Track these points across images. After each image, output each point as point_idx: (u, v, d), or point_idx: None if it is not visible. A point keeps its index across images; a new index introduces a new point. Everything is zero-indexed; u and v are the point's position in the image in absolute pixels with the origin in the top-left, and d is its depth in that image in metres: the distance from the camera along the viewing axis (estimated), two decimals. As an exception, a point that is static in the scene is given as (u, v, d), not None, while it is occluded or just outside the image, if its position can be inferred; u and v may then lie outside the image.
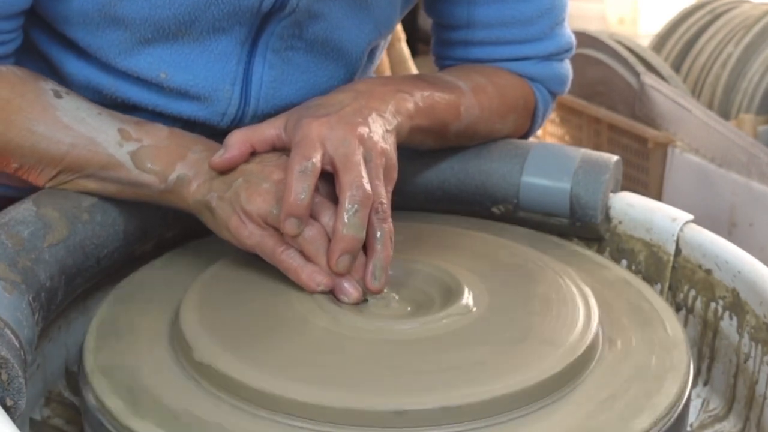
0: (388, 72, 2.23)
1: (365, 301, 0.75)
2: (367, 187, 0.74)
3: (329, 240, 0.75)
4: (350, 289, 0.75)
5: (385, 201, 0.76)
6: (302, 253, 0.75)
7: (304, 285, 0.75)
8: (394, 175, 0.80)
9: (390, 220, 0.76)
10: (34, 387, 0.79)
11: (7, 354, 0.62)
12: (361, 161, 0.75)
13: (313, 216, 0.76)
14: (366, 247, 0.76)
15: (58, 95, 0.82)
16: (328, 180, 0.77)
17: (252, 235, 0.77)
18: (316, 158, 0.75)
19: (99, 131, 0.82)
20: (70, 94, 0.83)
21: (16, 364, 0.62)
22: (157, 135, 0.83)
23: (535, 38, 0.99)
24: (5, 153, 0.81)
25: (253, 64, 0.89)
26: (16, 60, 0.85)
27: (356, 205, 0.74)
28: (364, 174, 0.75)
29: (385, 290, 0.76)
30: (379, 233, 0.75)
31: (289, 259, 0.76)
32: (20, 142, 0.80)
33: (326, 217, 0.76)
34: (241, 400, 0.64)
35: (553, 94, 1.04)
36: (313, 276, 0.75)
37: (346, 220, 0.73)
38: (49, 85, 0.83)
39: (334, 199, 0.76)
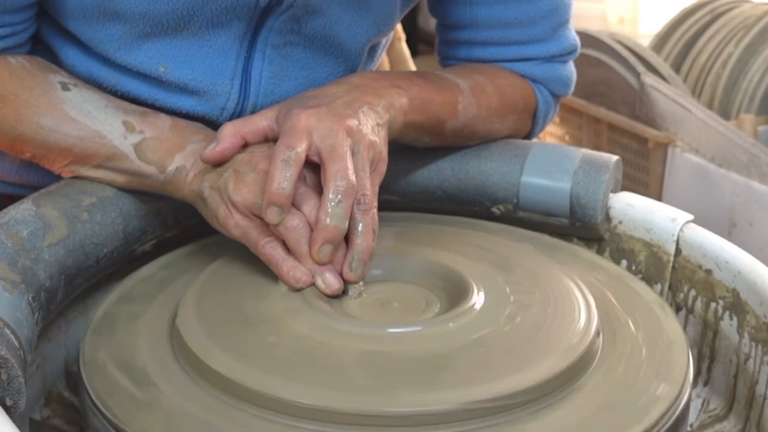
0: (387, 71, 2.23)
1: (345, 292, 0.75)
2: (352, 178, 0.75)
3: (311, 230, 0.75)
4: (331, 280, 0.75)
5: (368, 193, 0.76)
6: (284, 244, 0.76)
7: (283, 280, 0.75)
8: (383, 168, 0.80)
9: (374, 212, 0.76)
10: (34, 387, 0.79)
11: (7, 354, 0.62)
12: (348, 152, 0.76)
13: (297, 205, 0.76)
14: (347, 238, 0.76)
15: (65, 87, 0.84)
16: (316, 171, 0.77)
17: (238, 226, 0.77)
18: (301, 148, 0.75)
19: (105, 124, 0.84)
20: (78, 85, 0.85)
21: (15, 364, 0.62)
22: (160, 126, 0.85)
23: (537, 39, 0.99)
24: (18, 144, 0.84)
25: (252, 59, 0.89)
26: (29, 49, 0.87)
27: (339, 196, 0.74)
28: (350, 165, 0.75)
29: (386, 291, 0.77)
30: (360, 225, 0.75)
31: (271, 251, 0.76)
32: (31, 134, 0.83)
33: (309, 207, 0.76)
34: (235, 398, 0.64)
35: (556, 96, 1.04)
36: (293, 272, 0.75)
37: (329, 210, 0.74)
38: (57, 78, 0.85)
39: (321, 191, 0.76)
